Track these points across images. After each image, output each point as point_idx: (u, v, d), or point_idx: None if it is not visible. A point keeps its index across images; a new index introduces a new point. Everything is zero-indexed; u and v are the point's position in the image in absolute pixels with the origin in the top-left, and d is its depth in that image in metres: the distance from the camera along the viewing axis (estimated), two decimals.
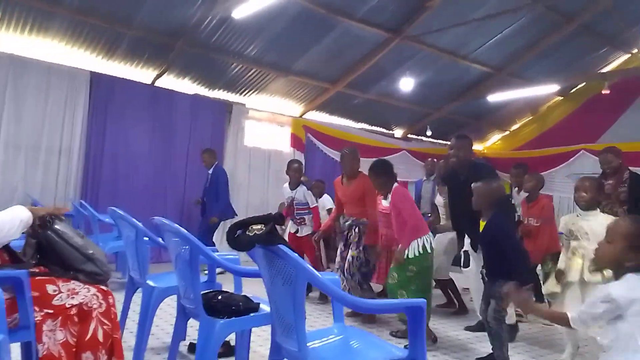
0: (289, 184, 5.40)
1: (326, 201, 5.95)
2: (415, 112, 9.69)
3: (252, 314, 2.50)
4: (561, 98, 10.12)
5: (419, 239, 3.73)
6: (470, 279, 4.15)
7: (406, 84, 7.94)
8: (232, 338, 3.00)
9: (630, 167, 4.59)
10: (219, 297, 2.53)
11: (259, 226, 1.91)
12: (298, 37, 7.06)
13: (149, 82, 7.04)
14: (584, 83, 9.64)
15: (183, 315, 2.73)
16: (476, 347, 3.78)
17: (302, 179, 5.49)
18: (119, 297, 2.66)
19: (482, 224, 3.37)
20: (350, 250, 4.39)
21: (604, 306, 1.74)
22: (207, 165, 6.48)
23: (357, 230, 4.40)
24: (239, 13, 5.74)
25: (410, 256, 3.71)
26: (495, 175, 4.10)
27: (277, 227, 1.97)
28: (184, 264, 2.45)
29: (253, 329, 2.89)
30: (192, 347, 3.25)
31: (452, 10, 7.09)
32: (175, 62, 6.91)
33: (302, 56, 7.48)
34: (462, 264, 4.16)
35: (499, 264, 3.22)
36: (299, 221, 5.26)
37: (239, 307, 2.48)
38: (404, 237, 3.77)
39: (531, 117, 10.67)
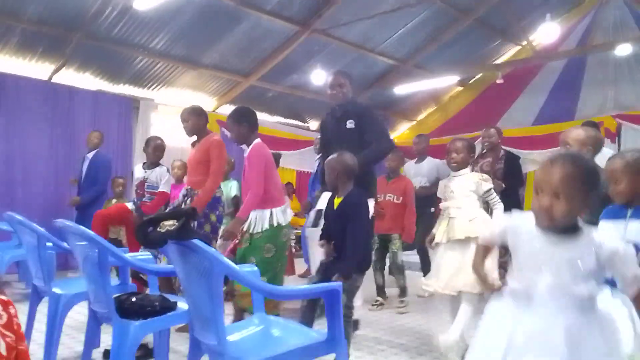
0: (144, 164, 4.74)
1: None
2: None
3: (169, 313, 2.47)
4: (461, 88, 10.79)
5: (276, 209, 3.30)
6: (314, 240, 3.82)
7: (318, 76, 8.07)
8: (150, 340, 2.92)
9: (522, 150, 5.03)
10: (133, 299, 2.46)
11: (170, 222, 1.88)
12: (206, 30, 6.91)
13: (45, 78, 6.56)
14: (481, 74, 10.34)
15: (95, 321, 2.62)
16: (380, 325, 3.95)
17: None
18: (22, 309, 2.49)
19: (337, 201, 2.94)
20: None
21: None
22: (92, 146, 5.82)
23: (189, 201, 3.77)
24: (141, 4, 5.51)
25: (260, 230, 3.24)
26: (378, 118, 3.79)
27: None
28: (93, 267, 2.35)
29: (172, 329, 2.84)
30: (107, 354, 3.11)
31: (358, 4, 7.30)
32: (73, 55, 6.49)
33: (211, 49, 7.34)
34: (311, 223, 3.74)
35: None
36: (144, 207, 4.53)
37: (155, 308, 2.43)
38: (261, 202, 3.25)
39: (435, 107, 11.28)
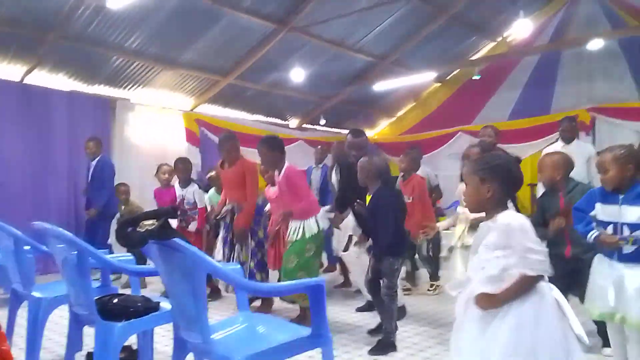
0: (179, 182, 5.14)
1: (213, 197, 5.84)
2: (308, 102, 9.88)
3: (152, 314, 2.45)
4: (439, 84, 10.90)
5: (313, 217, 3.80)
6: (351, 263, 4.24)
7: (297, 74, 8.06)
8: (134, 342, 2.89)
9: (497, 145, 5.08)
10: (115, 300, 2.44)
11: (150, 221, 1.87)
12: (182, 28, 6.84)
13: (17, 79, 6.42)
14: (458, 70, 10.46)
15: (76, 324, 2.59)
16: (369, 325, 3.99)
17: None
18: (2, 314, 2.45)
19: (368, 197, 3.48)
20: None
21: None
22: (90, 155, 5.95)
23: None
24: (114, 3, 5.42)
25: (307, 235, 3.74)
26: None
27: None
28: (72, 269, 2.32)
29: (156, 330, 2.82)
30: (90, 357, 3.08)
31: (336, 1, 7.31)
32: (46, 56, 6.36)
33: (188, 48, 7.27)
34: (342, 248, 4.23)
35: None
36: (189, 219, 4.98)
37: (137, 308, 2.41)
38: (302, 214, 3.78)
39: (414, 103, 11.37)
